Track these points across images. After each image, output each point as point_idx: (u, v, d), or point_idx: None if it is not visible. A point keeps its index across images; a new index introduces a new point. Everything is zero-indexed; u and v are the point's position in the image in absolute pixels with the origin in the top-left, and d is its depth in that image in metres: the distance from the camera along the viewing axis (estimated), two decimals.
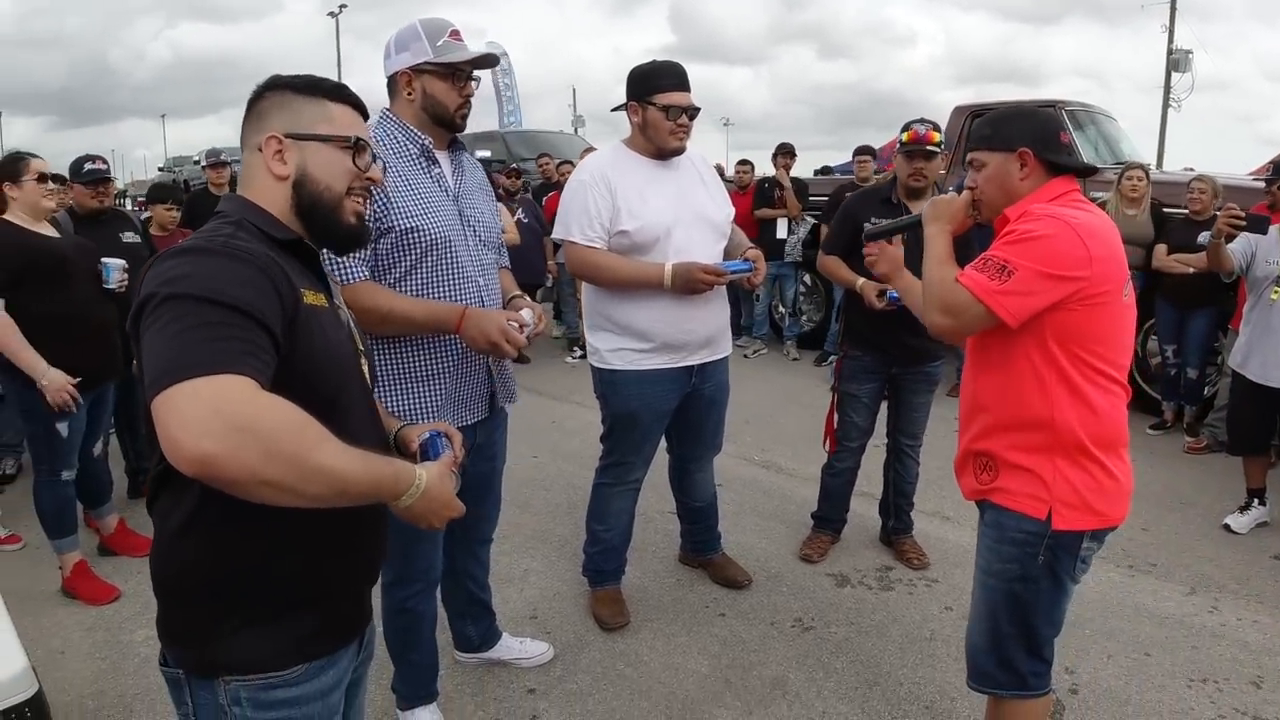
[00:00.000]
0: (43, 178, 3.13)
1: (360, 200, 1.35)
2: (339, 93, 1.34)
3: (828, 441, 3.57)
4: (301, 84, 1.32)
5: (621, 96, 2.74)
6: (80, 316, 3.17)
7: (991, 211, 1.88)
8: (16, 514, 4.03)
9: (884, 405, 3.55)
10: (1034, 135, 1.82)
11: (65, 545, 3.32)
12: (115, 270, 3.26)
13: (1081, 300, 1.69)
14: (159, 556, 1.23)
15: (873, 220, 3.27)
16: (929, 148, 3.18)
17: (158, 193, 4.70)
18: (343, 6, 33.33)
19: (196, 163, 15.96)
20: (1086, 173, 1.97)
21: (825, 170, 9.37)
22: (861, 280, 3.22)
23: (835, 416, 3.53)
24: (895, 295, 3.10)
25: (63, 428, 3.19)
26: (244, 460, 0.95)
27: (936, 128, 3.20)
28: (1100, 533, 1.83)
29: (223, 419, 0.95)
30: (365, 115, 1.39)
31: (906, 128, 3.21)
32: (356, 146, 1.32)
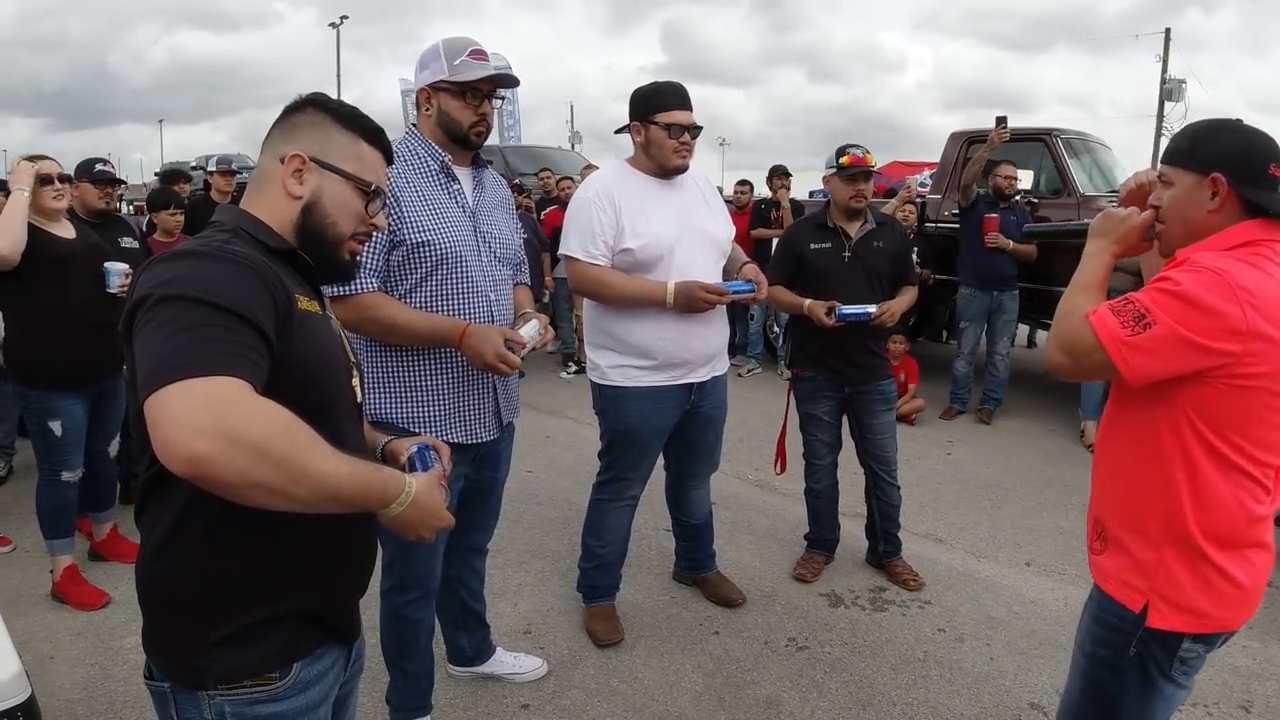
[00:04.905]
0: (47, 179, 3.14)
1: (360, 242, 1.38)
2: (375, 136, 1.36)
3: (778, 464, 3.61)
4: (344, 114, 1.33)
5: (617, 114, 2.78)
6: (80, 315, 3.17)
7: (1169, 243, 1.57)
8: (7, 516, 4.03)
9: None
10: (1237, 160, 1.47)
11: (59, 547, 3.31)
12: (116, 275, 3.25)
13: (1228, 378, 1.40)
14: (145, 566, 1.22)
15: (811, 246, 3.37)
16: (869, 169, 3.34)
17: (160, 198, 4.70)
18: (344, 18, 33.47)
19: (195, 168, 15.93)
20: None
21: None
22: (809, 301, 3.30)
23: (786, 438, 3.61)
24: (844, 313, 3.22)
25: (55, 426, 3.19)
26: (235, 461, 0.96)
27: (868, 151, 3.37)
28: (1209, 636, 1.55)
29: (215, 419, 0.95)
30: (390, 163, 1.41)
31: (843, 152, 3.35)
32: (373, 194, 1.34)
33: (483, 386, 2.23)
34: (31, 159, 3.22)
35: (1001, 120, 5.90)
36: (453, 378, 2.18)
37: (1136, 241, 1.61)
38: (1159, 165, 1.61)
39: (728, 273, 2.93)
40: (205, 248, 1.15)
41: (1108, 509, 1.63)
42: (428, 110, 2.15)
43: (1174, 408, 1.46)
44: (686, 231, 2.73)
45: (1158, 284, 1.44)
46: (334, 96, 1.37)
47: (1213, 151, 1.49)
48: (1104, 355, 1.44)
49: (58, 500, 3.28)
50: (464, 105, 2.12)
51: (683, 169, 2.75)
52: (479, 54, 2.11)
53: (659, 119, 2.66)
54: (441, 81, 2.10)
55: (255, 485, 0.98)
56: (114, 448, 3.57)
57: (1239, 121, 1.56)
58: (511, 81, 2.16)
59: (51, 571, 3.32)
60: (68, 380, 3.21)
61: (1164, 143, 23.69)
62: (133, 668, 2.80)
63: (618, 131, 2.82)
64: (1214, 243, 1.48)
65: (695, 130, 2.72)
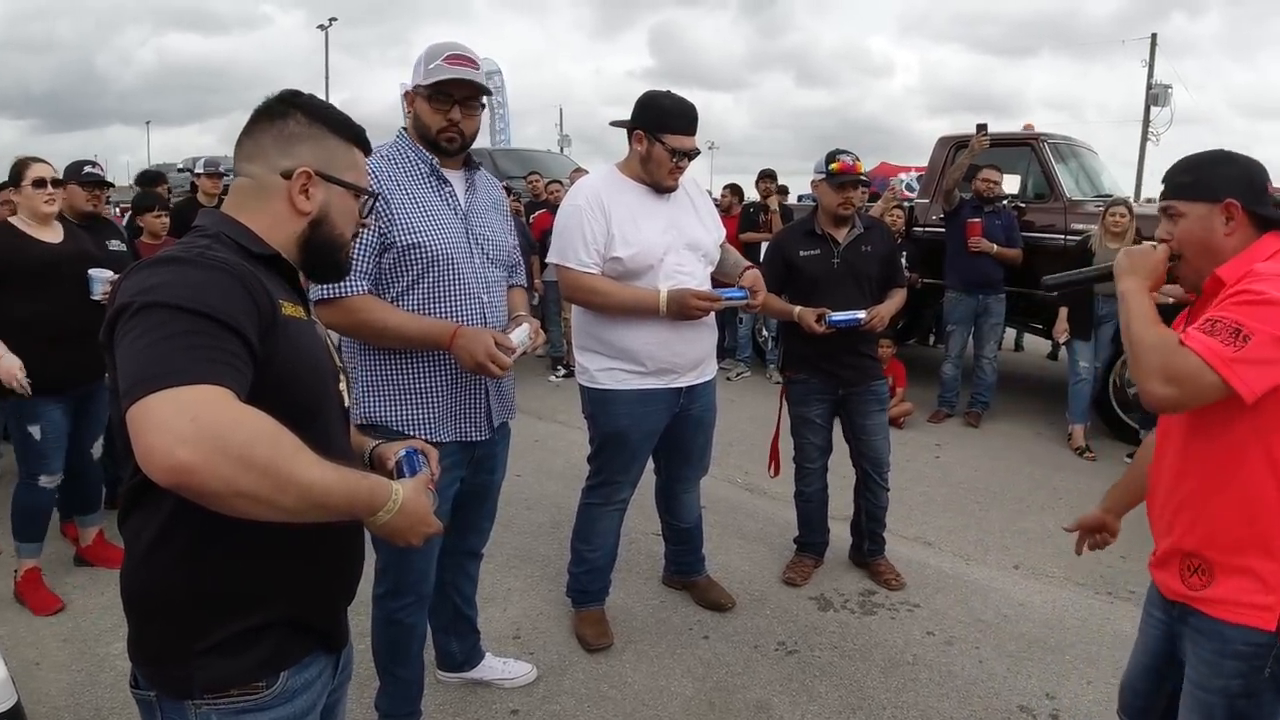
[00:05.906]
0: (40, 182, 3.14)
1: (354, 241, 1.43)
2: (364, 142, 1.40)
3: (772, 466, 3.62)
4: (335, 122, 1.34)
5: (606, 117, 2.80)
6: (64, 321, 3.15)
7: (1191, 270, 1.66)
8: None
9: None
10: (1243, 185, 1.59)
11: (25, 551, 3.31)
12: (100, 283, 3.22)
13: None
14: (130, 574, 1.21)
15: (800, 253, 3.40)
16: (858, 176, 3.36)
17: (145, 200, 4.69)
18: (332, 20, 33.44)
19: (181, 170, 15.85)
20: None
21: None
22: (798, 309, 3.32)
23: (779, 440, 3.61)
24: (834, 319, 3.24)
25: (35, 430, 3.18)
26: (220, 470, 0.94)
27: (858, 159, 3.38)
28: None
29: (198, 428, 0.94)
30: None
31: (833, 158, 3.34)
32: (369, 199, 1.41)
33: (475, 388, 2.23)
34: (26, 161, 3.21)
35: (981, 127, 5.96)
36: (444, 380, 2.17)
37: (1164, 273, 1.68)
38: (1160, 199, 1.69)
39: (728, 276, 2.94)
40: (186, 254, 1.14)
41: (1208, 539, 1.61)
42: (409, 113, 2.19)
43: (1264, 415, 1.49)
44: (675, 240, 2.73)
45: (1234, 300, 1.49)
46: (320, 98, 1.39)
47: (1219, 181, 1.60)
48: (1215, 376, 1.44)
49: (31, 505, 3.27)
50: (432, 110, 2.12)
51: (673, 189, 2.77)
52: (455, 59, 2.09)
53: (667, 140, 2.65)
54: (419, 85, 2.11)
55: (240, 494, 0.97)
56: (98, 449, 3.55)
57: (1229, 151, 1.66)
58: (476, 88, 2.13)
59: (15, 571, 3.31)
60: (50, 385, 3.17)
61: (1149, 147, 23.76)
62: (119, 674, 2.78)
63: (614, 124, 2.81)
64: (1250, 256, 1.57)
65: (694, 154, 2.73)
